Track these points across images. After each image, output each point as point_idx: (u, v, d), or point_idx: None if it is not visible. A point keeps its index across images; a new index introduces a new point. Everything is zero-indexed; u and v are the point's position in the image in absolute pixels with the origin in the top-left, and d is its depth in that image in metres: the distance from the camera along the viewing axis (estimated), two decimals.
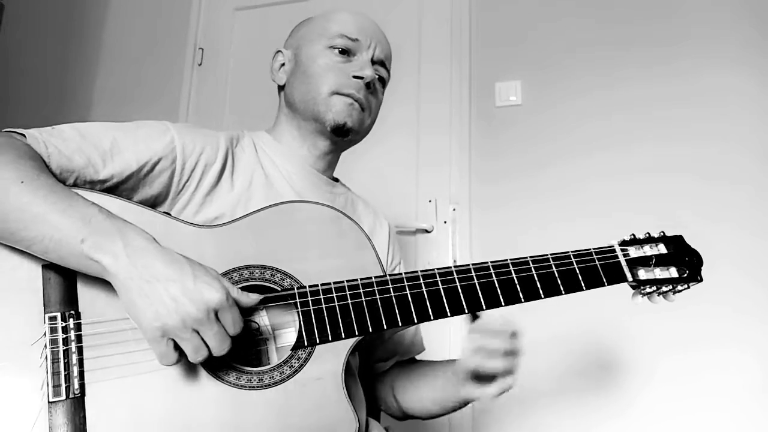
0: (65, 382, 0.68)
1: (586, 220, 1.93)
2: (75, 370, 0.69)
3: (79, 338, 0.70)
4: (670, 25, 2.04)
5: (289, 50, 1.08)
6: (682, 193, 1.88)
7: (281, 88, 1.09)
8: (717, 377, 1.73)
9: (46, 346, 0.69)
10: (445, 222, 2.07)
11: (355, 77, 1.00)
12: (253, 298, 0.75)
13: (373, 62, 1.05)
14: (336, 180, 1.14)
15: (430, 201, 2.10)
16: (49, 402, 0.67)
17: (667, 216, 1.85)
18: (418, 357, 1.16)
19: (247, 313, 0.81)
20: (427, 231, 2.08)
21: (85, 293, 0.72)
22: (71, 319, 0.71)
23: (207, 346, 0.69)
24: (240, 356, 0.79)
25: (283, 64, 1.09)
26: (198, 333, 0.68)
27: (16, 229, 0.68)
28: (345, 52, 1.02)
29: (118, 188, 0.85)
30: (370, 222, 1.14)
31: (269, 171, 1.01)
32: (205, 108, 2.49)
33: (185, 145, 0.91)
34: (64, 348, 0.70)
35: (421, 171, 2.15)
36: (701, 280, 0.98)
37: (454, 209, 2.08)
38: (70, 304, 0.72)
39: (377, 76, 1.05)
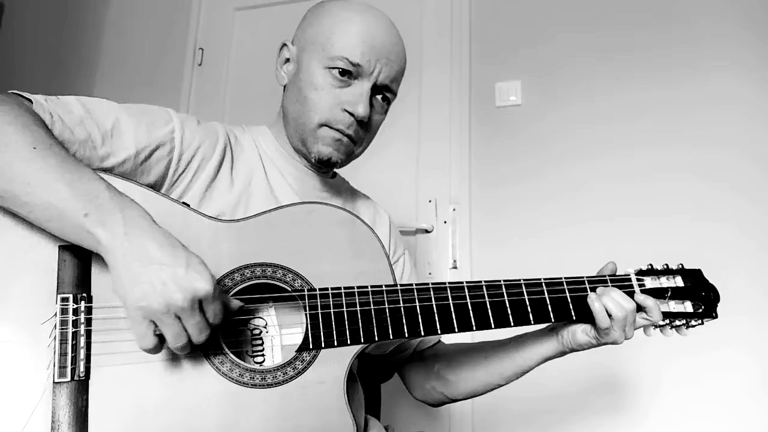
0: (71, 364, 0.69)
1: (587, 220, 1.93)
2: (82, 352, 0.70)
3: (89, 321, 0.71)
4: (671, 27, 2.03)
5: (295, 47, 1.02)
6: (682, 193, 1.87)
7: (283, 87, 1.06)
8: (719, 381, 1.71)
9: (55, 326, 0.70)
10: (445, 222, 2.07)
11: (346, 111, 0.95)
12: (235, 303, 0.75)
13: (377, 87, 0.98)
14: (334, 175, 1.12)
15: (430, 201, 2.10)
16: (54, 382, 0.68)
17: (665, 216, 1.86)
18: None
19: (255, 311, 0.82)
20: (427, 231, 2.07)
21: (99, 278, 0.73)
22: (83, 302, 0.72)
23: (187, 334, 0.69)
24: (245, 354, 0.79)
25: (287, 60, 1.03)
26: (180, 320, 0.68)
27: (22, 193, 0.68)
28: (345, 72, 0.95)
29: (115, 171, 0.84)
30: (370, 216, 1.14)
31: (269, 170, 1.01)
32: (205, 108, 2.50)
33: (185, 136, 0.90)
34: (74, 330, 0.70)
35: (422, 171, 2.15)
36: (716, 316, 0.96)
37: (454, 209, 2.08)
38: (83, 287, 0.72)
39: (380, 99, 1.00)
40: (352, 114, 0.95)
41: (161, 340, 0.69)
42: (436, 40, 2.27)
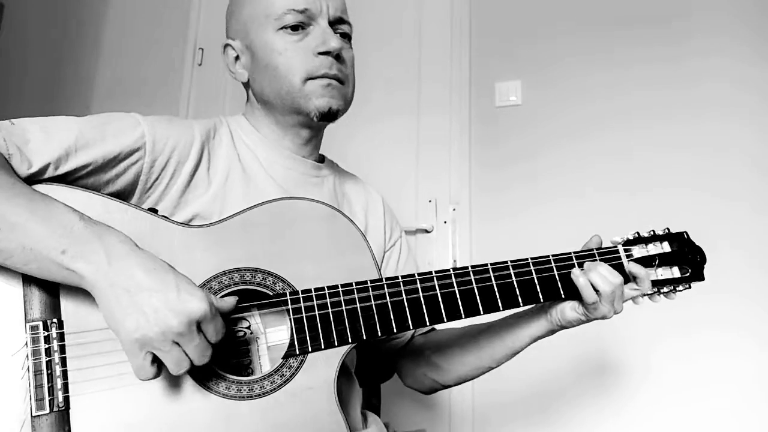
0: (49, 395, 0.66)
1: (587, 218, 1.93)
2: (59, 382, 0.67)
3: (62, 348, 0.68)
4: (671, 25, 2.01)
5: (237, 40, 0.99)
6: (683, 185, 1.87)
7: (246, 84, 1.02)
8: (715, 364, 1.74)
9: (27, 357, 0.67)
10: (445, 222, 2.07)
11: (321, 53, 0.93)
12: (229, 301, 0.72)
13: (331, 23, 0.96)
14: (322, 159, 1.08)
15: (430, 201, 2.10)
16: (32, 416, 0.65)
17: (666, 214, 1.84)
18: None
19: (238, 319, 0.79)
20: (427, 231, 2.07)
21: (68, 301, 0.70)
22: (54, 328, 0.68)
23: (189, 358, 0.66)
24: (230, 364, 0.77)
25: (237, 57, 1.00)
26: (179, 345, 0.65)
27: None
28: (298, 26, 0.93)
29: (80, 183, 0.79)
30: (362, 200, 1.10)
31: (247, 162, 0.96)
32: (205, 108, 2.46)
33: (156, 141, 0.84)
34: (47, 359, 0.67)
35: (421, 171, 2.14)
36: (703, 279, 0.96)
37: (454, 209, 2.07)
38: (52, 312, 0.69)
39: (339, 35, 0.97)
40: (326, 53, 0.93)
41: (159, 367, 0.66)
42: (436, 41, 2.23)
